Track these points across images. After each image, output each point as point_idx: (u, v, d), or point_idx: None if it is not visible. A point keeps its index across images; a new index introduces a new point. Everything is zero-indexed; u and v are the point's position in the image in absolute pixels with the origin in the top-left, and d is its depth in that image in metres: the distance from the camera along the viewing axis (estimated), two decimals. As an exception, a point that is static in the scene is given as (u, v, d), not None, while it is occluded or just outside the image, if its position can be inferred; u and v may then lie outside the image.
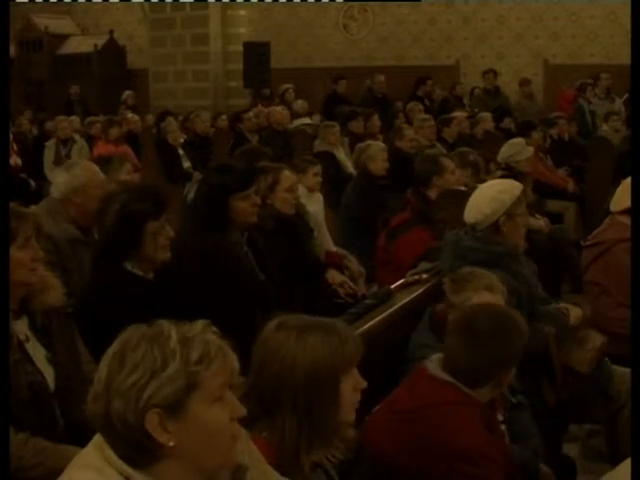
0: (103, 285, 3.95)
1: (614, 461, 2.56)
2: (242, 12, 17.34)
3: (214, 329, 2.06)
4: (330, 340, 2.54)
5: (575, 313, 4.72)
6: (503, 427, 3.31)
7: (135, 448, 1.97)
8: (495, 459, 2.97)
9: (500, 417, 3.31)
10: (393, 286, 4.53)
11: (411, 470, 2.98)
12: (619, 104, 13.28)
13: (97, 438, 2.02)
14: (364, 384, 2.61)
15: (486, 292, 3.70)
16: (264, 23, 17.54)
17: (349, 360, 2.55)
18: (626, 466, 2.45)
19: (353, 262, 6.29)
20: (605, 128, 11.50)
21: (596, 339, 4.65)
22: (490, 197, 4.50)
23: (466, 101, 15.11)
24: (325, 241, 6.43)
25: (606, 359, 4.72)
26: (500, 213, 4.45)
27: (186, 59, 17.15)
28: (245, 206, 4.64)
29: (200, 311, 2.34)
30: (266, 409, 2.52)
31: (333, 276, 5.68)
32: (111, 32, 18.78)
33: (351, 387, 2.57)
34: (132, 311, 3.13)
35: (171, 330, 2.01)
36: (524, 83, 14.98)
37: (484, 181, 5.58)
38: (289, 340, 2.54)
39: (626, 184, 5.63)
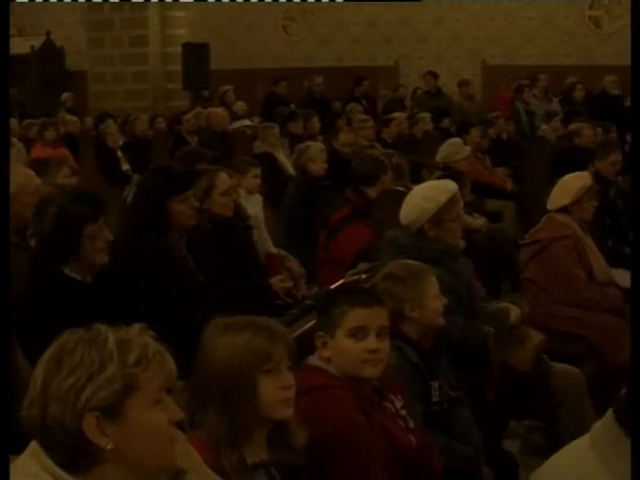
0: (40, 290, 3.91)
1: (554, 456, 2.60)
2: (181, 13, 17.27)
3: (151, 332, 2.06)
4: (244, 335, 2.58)
5: (515, 312, 4.77)
6: (404, 412, 3.33)
7: (73, 452, 1.95)
8: (362, 441, 2.97)
9: (399, 402, 3.34)
10: (333, 287, 4.54)
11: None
12: (556, 104, 13.44)
13: (33, 445, 2.00)
14: (292, 382, 2.62)
15: None
16: (204, 24, 17.47)
17: (264, 354, 2.57)
18: (556, 458, 2.50)
19: (294, 263, 6.30)
20: (545, 128, 11.64)
21: (535, 337, 4.71)
22: (414, 204, 4.53)
23: (408, 102, 15.18)
24: (265, 243, 6.42)
25: (545, 356, 4.78)
26: (424, 220, 4.47)
27: (125, 60, 17.04)
28: (184, 208, 4.62)
29: (140, 314, 2.34)
30: (200, 408, 2.56)
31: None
32: (48, 33, 18.56)
33: (276, 384, 2.58)
34: (70, 316, 3.09)
35: (108, 333, 2.01)
36: (463, 84, 15.08)
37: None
38: (212, 338, 2.61)
39: (561, 183, 5.72)
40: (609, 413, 2.30)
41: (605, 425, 2.30)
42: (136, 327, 2.05)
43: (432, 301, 3.76)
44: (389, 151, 7.38)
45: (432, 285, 3.79)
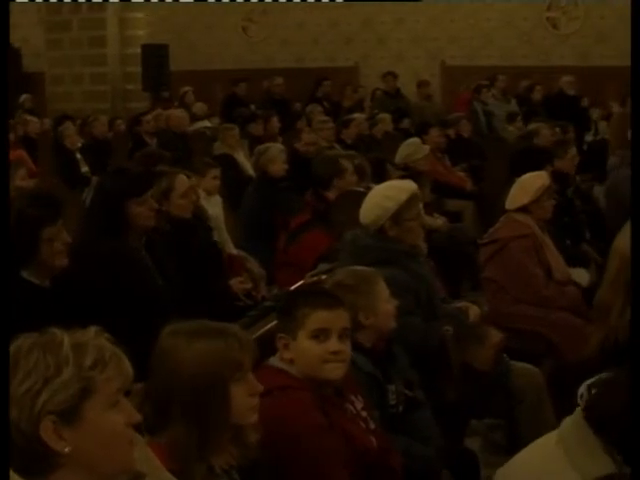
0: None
1: (515, 453, 2.61)
2: (140, 14, 17.17)
3: (107, 335, 2.05)
4: (215, 345, 2.55)
5: (474, 311, 4.79)
6: (365, 414, 3.34)
7: (30, 457, 1.94)
8: (323, 442, 2.98)
9: (360, 404, 3.35)
10: (292, 288, 4.53)
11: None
12: (514, 104, 13.54)
13: (-12, 450, 1.98)
14: (260, 388, 2.63)
15: None
16: (163, 25, 17.37)
17: (236, 365, 2.56)
18: (522, 456, 2.52)
19: (254, 265, 6.28)
20: (511, 129, 11.71)
21: (494, 336, 4.73)
22: (374, 203, 4.53)
23: (368, 103, 15.20)
24: (225, 244, 6.41)
25: (504, 355, 4.80)
26: (384, 219, 4.47)
27: (83, 62, 16.92)
28: (142, 210, 4.60)
29: (99, 317, 2.32)
30: (162, 414, 2.52)
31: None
32: (5, 35, 18.37)
33: (245, 392, 2.58)
34: (27, 320, 3.06)
35: (63, 336, 1.99)
36: (422, 84, 15.14)
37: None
38: (177, 345, 2.56)
39: (520, 182, 5.76)
40: (578, 411, 2.31)
41: (574, 423, 2.31)
42: (92, 330, 2.04)
43: (384, 305, 3.76)
44: (351, 152, 7.36)
45: (383, 289, 3.78)
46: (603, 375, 2.45)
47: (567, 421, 2.36)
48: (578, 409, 2.33)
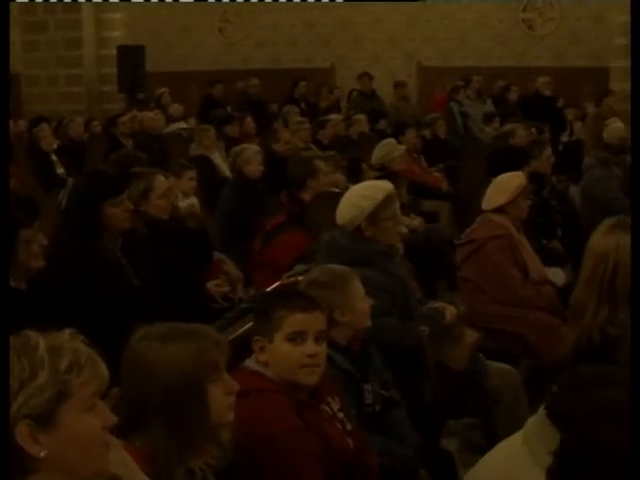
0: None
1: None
2: (116, 15, 17.10)
3: (82, 337, 2.04)
4: (190, 346, 2.54)
5: (450, 311, 4.80)
6: (341, 415, 3.35)
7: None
8: (298, 444, 2.98)
9: (336, 405, 3.35)
10: (269, 289, 4.53)
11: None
12: (490, 105, 13.59)
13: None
14: (236, 386, 2.62)
15: None
16: (139, 26, 17.30)
17: (212, 365, 2.56)
18: (489, 456, 2.53)
19: (231, 266, 6.26)
20: (488, 130, 11.75)
21: (470, 336, 4.74)
22: (351, 203, 4.53)
23: (344, 104, 15.22)
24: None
25: (480, 355, 4.82)
26: (360, 219, 4.47)
27: (59, 63, 16.85)
28: (117, 212, 4.59)
29: (75, 319, 2.31)
30: (137, 418, 2.50)
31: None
32: (-21, 36, 18.26)
33: (221, 391, 2.58)
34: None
35: (38, 339, 1.98)
36: (399, 85, 15.15)
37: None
38: (151, 350, 2.54)
39: (496, 183, 5.78)
40: (541, 410, 2.32)
41: (537, 422, 2.32)
42: (66, 332, 2.03)
43: (360, 303, 3.77)
44: (331, 153, 7.36)
45: (358, 287, 3.79)
46: (567, 373, 2.46)
47: (531, 420, 2.37)
48: (541, 407, 2.34)
